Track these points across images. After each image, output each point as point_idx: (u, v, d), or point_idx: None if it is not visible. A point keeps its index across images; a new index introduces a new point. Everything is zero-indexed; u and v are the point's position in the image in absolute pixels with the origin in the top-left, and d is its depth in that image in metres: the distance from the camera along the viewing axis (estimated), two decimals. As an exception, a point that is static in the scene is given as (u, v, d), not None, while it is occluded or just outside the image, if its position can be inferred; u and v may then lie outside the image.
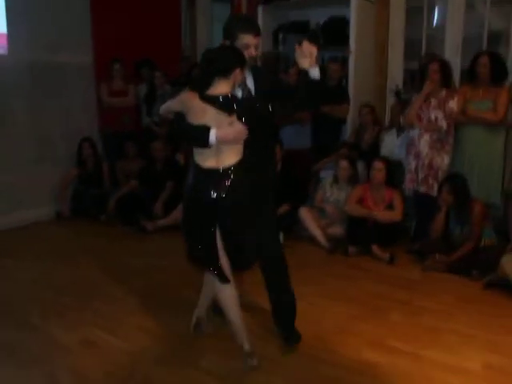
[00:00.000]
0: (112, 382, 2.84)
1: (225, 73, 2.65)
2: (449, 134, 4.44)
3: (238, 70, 2.68)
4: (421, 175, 4.52)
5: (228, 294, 2.88)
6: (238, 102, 2.71)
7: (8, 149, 5.55)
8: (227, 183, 2.69)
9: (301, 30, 6.00)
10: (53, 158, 5.97)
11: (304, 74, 2.78)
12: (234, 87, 2.74)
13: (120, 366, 2.97)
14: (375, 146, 5.31)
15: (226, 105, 2.65)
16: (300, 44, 2.73)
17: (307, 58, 2.76)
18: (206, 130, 2.63)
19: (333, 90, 5.50)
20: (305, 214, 4.94)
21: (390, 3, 5.80)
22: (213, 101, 2.65)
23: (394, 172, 4.78)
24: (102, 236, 5.33)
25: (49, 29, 5.72)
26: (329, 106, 5.42)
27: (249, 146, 2.76)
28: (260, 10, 6.02)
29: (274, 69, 5.84)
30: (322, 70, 5.43)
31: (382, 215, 4.60)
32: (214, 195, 2.68)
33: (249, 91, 2.88)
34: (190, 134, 2.73)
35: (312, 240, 4.89)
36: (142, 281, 4.13)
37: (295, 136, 5.48)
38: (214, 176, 2.70)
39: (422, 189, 4.52)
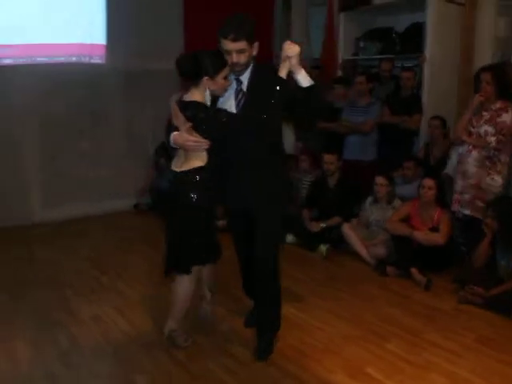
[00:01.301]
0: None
1: (192, 80, 2.71)
2: (502, 151, 3.98)
3: (205, 79, 2.70)
4: (467, 196, 4.12)
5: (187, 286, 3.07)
6: (201, 111, 2.72)
7: (103, 147, 6.21)
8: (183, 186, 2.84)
9: (381, 37, 5.77)
10: (142, 156, 6.49)
11: (283, 83, 2.64)
12: (209, 96, 2.76)
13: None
14: (444, 162, 4.93)
15: (188, 111, 2.72)
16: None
17: (285, 62, 2.62)
18: (171, 131, 2.77)
19: (405, 99, 5.23)
20: (348, 230, 4.77)
21: (478, 4, 5.31)
22: (182, 106, 2.75)
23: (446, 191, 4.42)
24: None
25: (144, 39, 6.21)
26: (398, 116, 5.17)
27: (243, 157, 2.79)
28: (341, 16, 5.92)
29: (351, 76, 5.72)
30: (396, 79, 5.28)
31: (423, 236, 4.27)
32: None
33: (242, 100, 2.79)
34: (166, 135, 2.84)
35: (356, 255, 4.73)
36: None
37: (358, 147, 5.30)
38: (175, 178, 2.89)
39: (467, 211, 4.12)
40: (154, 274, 4.21)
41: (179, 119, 2.77)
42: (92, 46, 5.85)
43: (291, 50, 2.62)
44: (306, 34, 7.09)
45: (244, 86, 2.79)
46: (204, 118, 2.72)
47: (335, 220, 4.96)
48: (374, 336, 3.37)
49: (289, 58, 2.62)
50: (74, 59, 5.75)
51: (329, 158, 5.05)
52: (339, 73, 6.16)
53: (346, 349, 3.22)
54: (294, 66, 2.62)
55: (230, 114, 2.76)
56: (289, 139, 6.22)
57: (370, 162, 5.28)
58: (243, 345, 3.22)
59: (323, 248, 4.81)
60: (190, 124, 2.72)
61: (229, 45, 2.63)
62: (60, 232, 5.66)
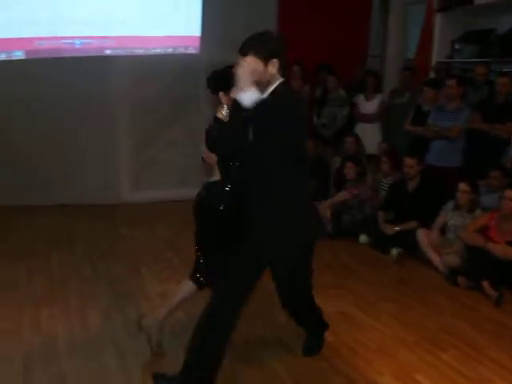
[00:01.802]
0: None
1: (212, 92, 2.79)
2: None
3: (221, 94, 2.71)
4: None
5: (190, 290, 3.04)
6: (212, 127, 2.72)
7: (190, 135, 6.46)
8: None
9: (479, 39, 5.53)
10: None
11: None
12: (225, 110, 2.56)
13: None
14: (535, 173, 4.68)
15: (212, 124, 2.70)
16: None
17: (240, 80, 2.35)
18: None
19: (499, 106, 5.01)
20: (422, 235, 4.66)
21: None
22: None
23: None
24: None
25: (238, 30, 6.37)
26: (490, 123, 4.97)
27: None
28: (438, 17, 5.75)
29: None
30: (491, 84, 5.07)
31: (499, 249, 4.08)
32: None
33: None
34: None
35: (429, 262, 4.62)
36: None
37: (443, 152, 5.13)
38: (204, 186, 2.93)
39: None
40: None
41: None
42: (187, 37, 6.12)
43: (257, 65, 2.40)
44: (404, 34, 6.97)
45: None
46: (212, 134, 2.73)
47: (411, 224, 4.87)
48: (430, 344, 3.30)
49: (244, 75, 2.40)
50: (170, 50, 6.07)
51: (409, 162, 4.96)
52: (431, 75, 5.99)
53: (398, 352, 3.19)
54: (245, 84, 2.36)
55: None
56: (375, 139, 6.19)
57: (455, 169, 5.09)
58: (299, 337, 3.24)
59: (395, 251, 4.74)
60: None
61: (239, 60, 2.46)
62: (144, 213, 6.01)
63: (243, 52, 2.43)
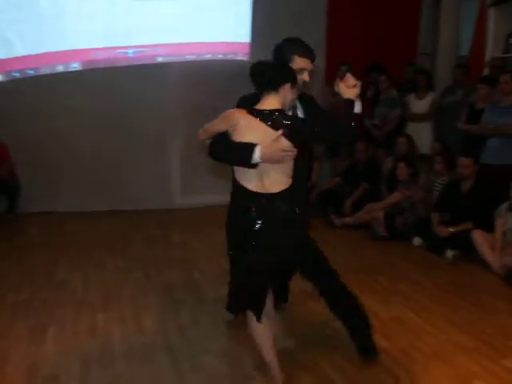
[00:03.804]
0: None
1: (274, 86, 2.49)
2: None
3: (287, 86, 2.51)
4: None
5: (261, 332, 2.69)
6: (288, 118, 2.52)
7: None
8: (274, 212, 2.50)
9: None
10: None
11: (350, 104, 2.60)
12: (284, 105, 2.55)
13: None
14: None
15: (273, 119, 2.46)
16: (342, 78, 2.63)
17: (351, 88, 2.60)
18: (250, 146, 2.43)
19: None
20: (478, 237, 4.51)
21: None
22: (261, 115, 2.48)
23: None
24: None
25: (288, 36, 6.39)
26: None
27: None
28: (492, 11, 5.57)
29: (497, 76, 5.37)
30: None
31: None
32: (258, 225, 2.49)
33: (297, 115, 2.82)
34: (233, 153, 2.51)
35: (485, 264, 4.47)
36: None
37: (501, 150, 4.94)
38: (259, 201, 2.50)
39: None
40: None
41: (252, 130, 2.48)
42: (237, 44, 6.18)
43: (356, 82, 2.62)
44: (456, 30, 6.80)
45: (298, 106, 2.87)
46: (296, 126, 2.51)
47: (466, 225, 4.71)
48: (490, 349, 3.19)
49: (355, 86, 2.62)
50: (220, 56, 6.13)
51: (464, 162, 4.82)
52: (486, 71, 5.80)
53: (455, 358, 3.09)
54: (356, 93, 2.63)
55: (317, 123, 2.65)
56: (427, 139, 6.06)
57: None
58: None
59: (450, 253, 4.62)
60: (280, 132, 2.43)
61: (308, 65, 2.78)
62: (195, 218, 6.09)
63: (313, 59, 2.81)
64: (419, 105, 6.16)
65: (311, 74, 2.77)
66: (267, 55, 6.23)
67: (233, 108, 2.61)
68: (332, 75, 6.56)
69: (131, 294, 4.03)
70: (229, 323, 3.50)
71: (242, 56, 6.32)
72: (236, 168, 2.59)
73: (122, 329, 3.46)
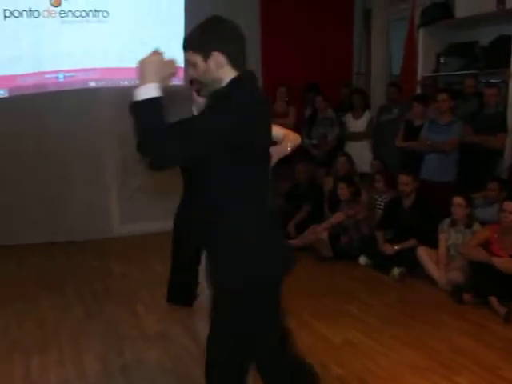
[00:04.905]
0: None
1: None
2: None
3: None
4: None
5: None
6: None
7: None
8: None
9: (464, 51, 5.51)
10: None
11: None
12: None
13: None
14: (531, 184, 4.61)
15: None
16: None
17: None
18: None
19: (489, 117, 4.96)
20: (422, 253, 4.57)
21: None
22: None
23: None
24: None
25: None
26: (481, 135, 4.91)
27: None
28: (421, 31, 5.73)
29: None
30: (479, 96, 5.02)
31: (502, 263, 3.98)
32: None
33: None
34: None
35: (431, 280, 4.51)
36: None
37: (438, 167, 5.05)
38: None
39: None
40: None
41: None
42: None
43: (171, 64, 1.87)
44: (387, 50, 6.97)
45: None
46: None
47: (410, 242, 4.76)
48: (443, 368, 3.17)
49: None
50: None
51: (404, 179, 4.88)
52: (418, 90, 5.95)
53: (410, 379, 3.06)
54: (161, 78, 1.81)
55: None
56: (366, 157, 6.12)
57: (450, 183, 5.00)
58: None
59: (396, 271, 4.64)
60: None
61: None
62: (135, 246, 5.85)
63: (183, 47, 1.98)
64: (356, 124, 6.23)
65: (193, 67, 1.97)
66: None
67: None
68: (269, 96, 6.58)
69: (69, 333, 3.75)
70: (177, 361, 3.32)
71: (178, 80, 6.20)
72: None
73: (60, 373, 3.19)
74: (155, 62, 1.82)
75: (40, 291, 4.55)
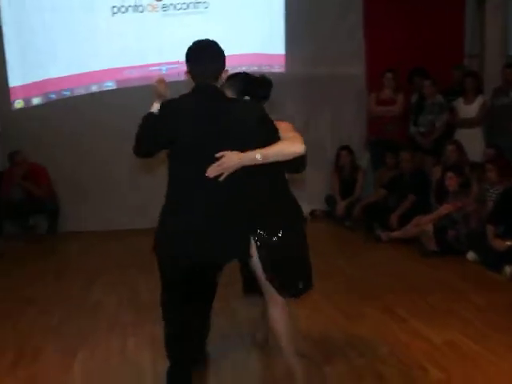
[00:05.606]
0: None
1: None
2: None
3: None
4: None
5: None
6: None
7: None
8: None
9: None
10: (321, 161, 6.43)
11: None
12: None
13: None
14: None
15: None
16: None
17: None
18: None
19: None
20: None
21: None
22: None
23: None
24: (338, 239, 5.69)
25: (324, 46, 6.24)
26: None
27: None
28: None
29: None
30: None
31: None
32: None
33: None
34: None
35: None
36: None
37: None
38: None
39: None
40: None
41: None
42: (272, 55, 6.04)
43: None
44: (503, 29, 6.43)
45: None
46: None
47: None
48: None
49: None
50: (255, 68, 5.98)
51: (520, 168, 4.47)
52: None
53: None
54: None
55: None
56: (478, 146, 5.70)
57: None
58: (399, 369, 2.96)
59: (508, 269, 4.27)
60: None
61: None
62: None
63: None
64: (468, 109, 5.84)
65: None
66: (301, 65, 6.16)
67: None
68: (374, 82, 6.34)
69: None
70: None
71: (278, 68, 6.18)
72: None
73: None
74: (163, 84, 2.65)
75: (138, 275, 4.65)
